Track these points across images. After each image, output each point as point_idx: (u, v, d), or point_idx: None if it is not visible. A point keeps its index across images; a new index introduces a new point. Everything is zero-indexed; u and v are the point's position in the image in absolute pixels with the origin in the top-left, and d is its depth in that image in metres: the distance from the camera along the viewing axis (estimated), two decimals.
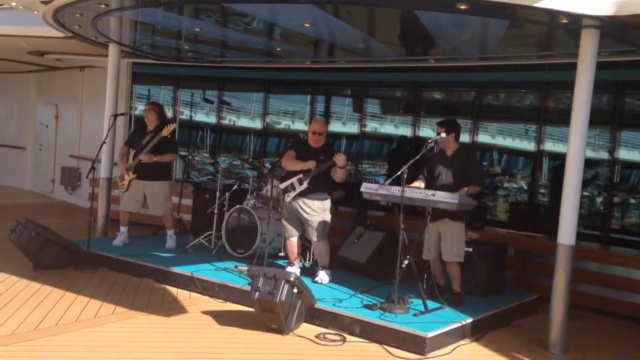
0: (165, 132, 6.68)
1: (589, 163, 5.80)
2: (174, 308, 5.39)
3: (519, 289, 6.23)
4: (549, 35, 5.84)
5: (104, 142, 7.16)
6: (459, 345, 4.85)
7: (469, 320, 5.08)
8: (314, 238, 5.96)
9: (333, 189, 6.08)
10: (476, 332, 5.11)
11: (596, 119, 5.59)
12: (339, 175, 5.76)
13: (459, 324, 4.97)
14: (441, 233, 5.43)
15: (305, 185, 5.79)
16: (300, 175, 5.82)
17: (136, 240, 7.34)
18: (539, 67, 7.04)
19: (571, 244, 4.90)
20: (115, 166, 7.79)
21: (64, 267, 6.36)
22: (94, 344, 4.43)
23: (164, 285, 6.04)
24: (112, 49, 7.83)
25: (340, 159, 5.62)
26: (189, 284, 5.92)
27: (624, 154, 6.90)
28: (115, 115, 7.26)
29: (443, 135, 5.47)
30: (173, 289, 5.96)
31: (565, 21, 4.82)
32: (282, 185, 5.98)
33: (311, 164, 5.75)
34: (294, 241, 6.04)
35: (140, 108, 10.79)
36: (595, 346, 5.18)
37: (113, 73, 7.79)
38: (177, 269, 6.09)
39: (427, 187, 5.50)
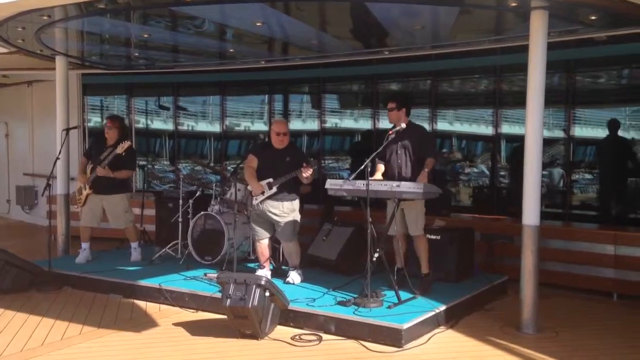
0: (119, 150, 6.52)
1: (546, 142, 5.87)
2: (144, 322, 5.24)
3: (488, 272, 6.29)
4: (499, 19, 5.88)
5: (57, 158, 6.92)
6: (435, 334, 4.86)
7: (443, 307, 5.09)
8: (285, 239, 5.89)
9: (300, 187, 6.01)
10: (450, 319, 5.13)
11: (550, 98, 5.67)
12: (305, 180, 5.72)
13: (433, 313, 4.98)
14: (405, 211, 5.47)
15: (274, 189, 5.75)
16: (270, 180, 5.76)
17: (99, 255, 7.14)
18: (491, 51, 7.11)
19: (536, 224, 4.95)
20: (72, 181, 7.57)
21: (26, 289, 6.14)
22: None
23: (132, 300, 5.88)
24: (60, 61, 7.59)
25: (307, 174, 5.55)
26: (158, 296, 5.78)
27: (578, 131, 7.04)
28: (68, 129, 7.04)
29: (403, 125, 5.46)
30: (142, 303, 5.81)
31: (514, 4, 4.86)
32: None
33: (260, 190, 5.74)
34: (264, 243, 5.97)
35: (94, 120, 10.53)
36: (567, 323, 5.24)
37: (62, 86, 7.55)
38: (144, 282, 5.95)
39: (385, 166, 5.54)
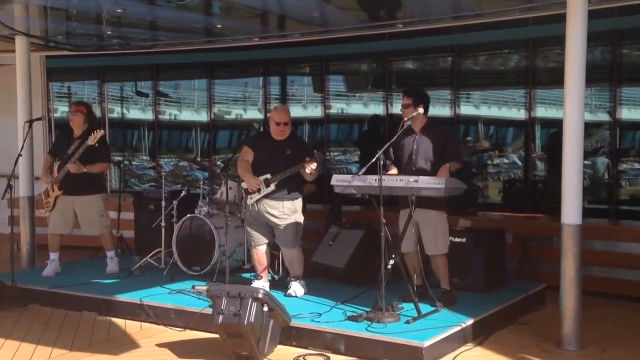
0: (91, 141, 6.51)
1: (588, 127, 5.86)
2: (123, 344, 5.25)
3: (523, 280, 6.30)
4: None
5: (20, 155, 6.95)
6: (462, 352, 4.85)
7: (470, 321, 5.08)
8: (285, 245, 5.89)
9: (303, 184, 6.00)
10: (479, 335, 5.13)
11: (592, 75, 5.66)
12: (309, 177, 5.70)
13: (458, 327, 4.97)
14: (420, 224, 5.42)
15: (272, 187, 5.73)
16: (267, 176, 5.73)
17: (70, 267, 7.16)
18: (523, 22, 7.09)
19: (577, 223, 4.92)
20: (37, 181, 7.58)
21: None
22: None
23: (108, 318, 5.90)
24: (20, 42, 7.61)
25: (310, 168, 5.53)
26: (139, 313, 5.79)
27: (626, 113, 7.01)
28: (31, 121, 7.05)
29: (421, 110, 5.44)
30: (120, 321, 5.83)
31: None
32: (245, 185, 5.88)
33: (256, 185, 5.71)
34: (261, 250, 5.96)
35: (61, 109, 10.57)
36: (615, 337, 5.24)
37: (23, 71, 7.58)
38: (122, 297, 5.97)
39: (399, 172, 5.51)
